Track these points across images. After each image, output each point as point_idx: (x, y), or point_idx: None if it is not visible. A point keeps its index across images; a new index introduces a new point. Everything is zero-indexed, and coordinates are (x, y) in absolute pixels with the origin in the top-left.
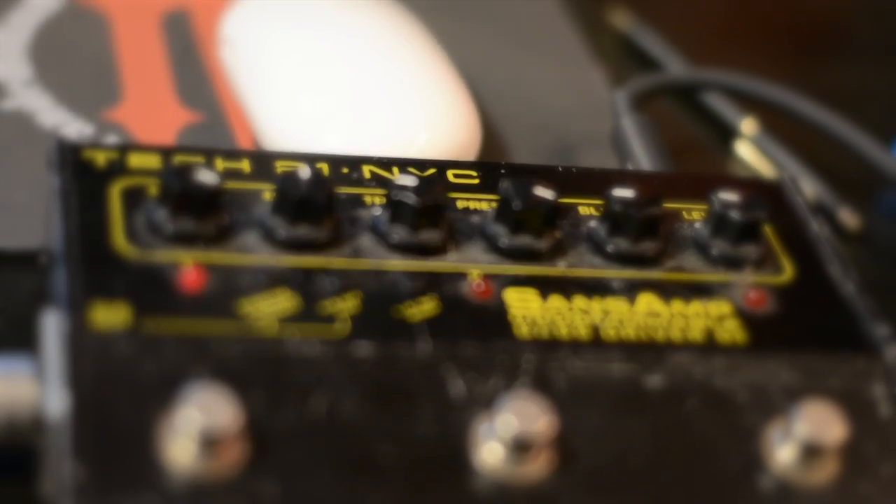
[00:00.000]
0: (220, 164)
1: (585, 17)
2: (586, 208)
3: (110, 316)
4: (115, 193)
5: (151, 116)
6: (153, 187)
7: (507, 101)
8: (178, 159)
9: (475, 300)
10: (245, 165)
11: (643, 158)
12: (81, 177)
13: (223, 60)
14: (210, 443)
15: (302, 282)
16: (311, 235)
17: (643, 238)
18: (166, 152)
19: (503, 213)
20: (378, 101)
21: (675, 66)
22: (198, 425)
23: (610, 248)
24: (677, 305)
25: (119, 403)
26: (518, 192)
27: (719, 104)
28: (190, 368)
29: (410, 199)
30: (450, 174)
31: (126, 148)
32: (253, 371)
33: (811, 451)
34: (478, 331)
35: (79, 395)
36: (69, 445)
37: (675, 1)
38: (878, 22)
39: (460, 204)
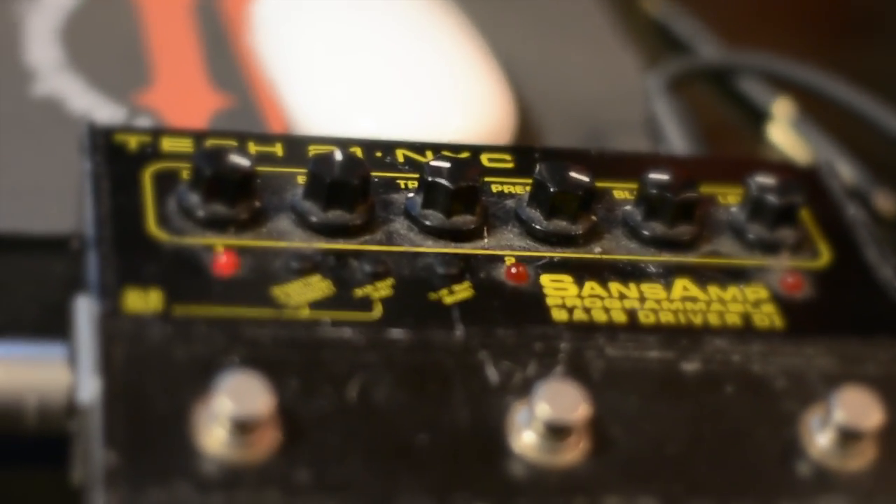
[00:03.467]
0: (253, 148)
1: (618, 1)
2: (621, 192)
3: (142, 301)
4: (147, 177)
5: (183, 100)
6: (185, 171)
7: (541, 85)
8: (211, 143)
9: (510, 285)
10: (278, 149)
11: (677, 142)
12: (113, 161)
13: (255, 44)
14: (243, 429)
15: (335, 267)
16: (344, 220)
17: (679, 222)
18: (198, 136)
19: (538, 197)
20: (412, 85)
21: (709, 50)
22: (230, 412)
23: (645, 232)
24: (714, 290)
25: (151, 389)
26: (553, 176)
27: (753, 87)
28: (223, 354)
29: (444, 182)
30: (484, 158)
31: (158, 132)
32: (286, 357)
33: (849, 437)
34: (514, 316)
35: (111, 380)
36: (100, 431)
37: None
38: None
39: (495, 188)
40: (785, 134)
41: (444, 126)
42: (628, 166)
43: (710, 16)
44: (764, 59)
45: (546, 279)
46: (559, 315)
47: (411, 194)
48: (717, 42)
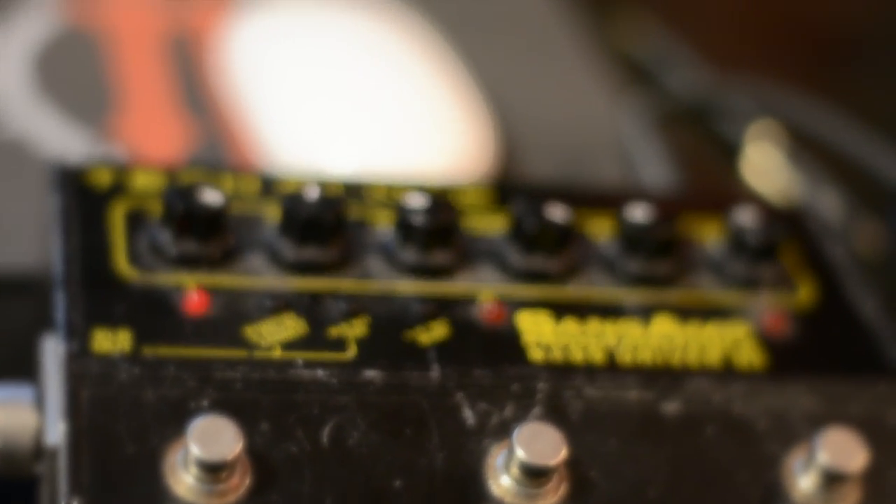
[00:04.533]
0: (226, 184)
1: (597, 30)
2: (599, 228)
3: (111, 342)
4: (117, 215)
5: (155, 132)
6: (156, 208)
7: (518, 116)
8: (183, 179)
9: (487, 324)
10: (251, 185)
11: (654, 174)
12: (82, 198)
13: (228, 76)
14: (212, 474)
15: (309, 305)
16: (319, 257)
17: (657, 259)
18: (170, 172)
19: (515, 234)
20: (388, 118)
21: (688, 80)
22: (199, 456)
23: (624, 269)
24: (693, 328)
25: (119, 432)
26: (530, 213)
27: (732, 119)
28: (193, 396)
29: (420, 220)
30: (461, 195)
31: (129, 168)
32: (258, 399)
33: (833, 480)
34: (490, 356)
35: (77, 423)
36: (67, 475)
37: (691, 6)
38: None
39: (471, 225)
40: (765, 160)
41: (421, 157)
42: (606, 201)
43: (693, 41)
44: (743, 89)
45: (523, 317)
46: (536, 354)
47: (387, 232)
48: (697, 71)
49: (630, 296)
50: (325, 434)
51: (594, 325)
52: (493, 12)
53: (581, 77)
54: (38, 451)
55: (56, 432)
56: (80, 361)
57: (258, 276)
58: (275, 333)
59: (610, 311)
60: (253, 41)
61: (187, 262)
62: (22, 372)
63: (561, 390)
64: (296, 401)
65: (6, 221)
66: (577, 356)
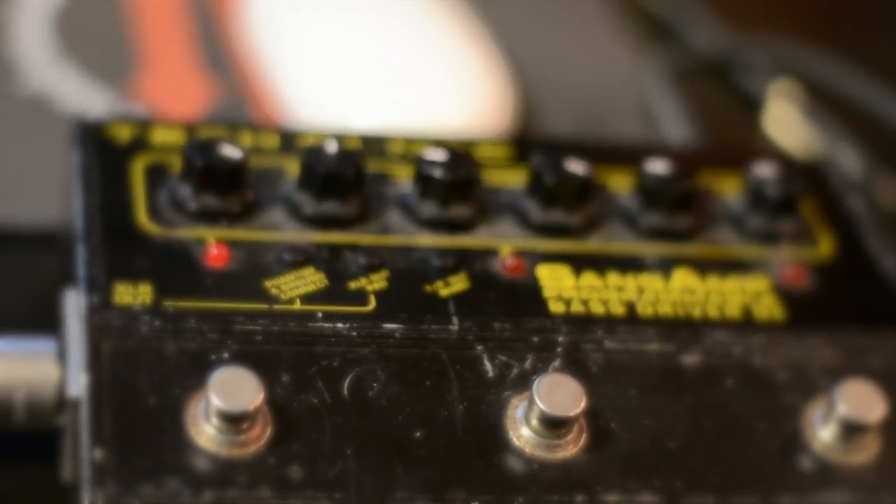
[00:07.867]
0: (246, 138)
1: None
2: (619, 182)
3: (132, 295)
4: (137, 170)
5: (175, 91)
6: (177, 163)
7: (538, 73)
8: (202, 134)
9: (507, 277)
10: (271, 140)
11: (675, 130)
12: (103, 153)
13: (248, 33)
14: (233, 425)
15: (328, 259)
16: (338, 211)
17: (677, 212)
18: (190, 127)
19: (534, 187)
20: (408, 74)
21: (707, 37)
22: (220, 407)
23: (644, 222)
24: (713, 281)
25: (141, 384)
26: (549, 167)
27: (752, 75)
28: (213, 348)
29: (440, 174)
30: (479, 149)
31: (149, 123)
32: (278, 351)
33: (852, 431)
34: (510, 309)
35: (99, 375)
36: (89, 427)
37: None
38: None
39: (490, 179)
40: (785, 116)
41: (440, 114)
42: (626, 156)
43: (713, 0)
44: (763, 46)
45: (543, 271)
46: (556, 307)
47: (406, 186)
48: (717, 28)
49: (650, 249)
50: (346, 385)
51: (614, 279)
52: None
53: (602, 35)
54: (61, 402)
55: (78, 384)
56: (101, 314)
57: (278, 230)
58: (295, 287)
59: (630, 265)
60: None
61: (207, 217)
62: (45, 325)
63: (581, 342)
64: (316, 353)
65: (28, 177)
66: (598, 309)
